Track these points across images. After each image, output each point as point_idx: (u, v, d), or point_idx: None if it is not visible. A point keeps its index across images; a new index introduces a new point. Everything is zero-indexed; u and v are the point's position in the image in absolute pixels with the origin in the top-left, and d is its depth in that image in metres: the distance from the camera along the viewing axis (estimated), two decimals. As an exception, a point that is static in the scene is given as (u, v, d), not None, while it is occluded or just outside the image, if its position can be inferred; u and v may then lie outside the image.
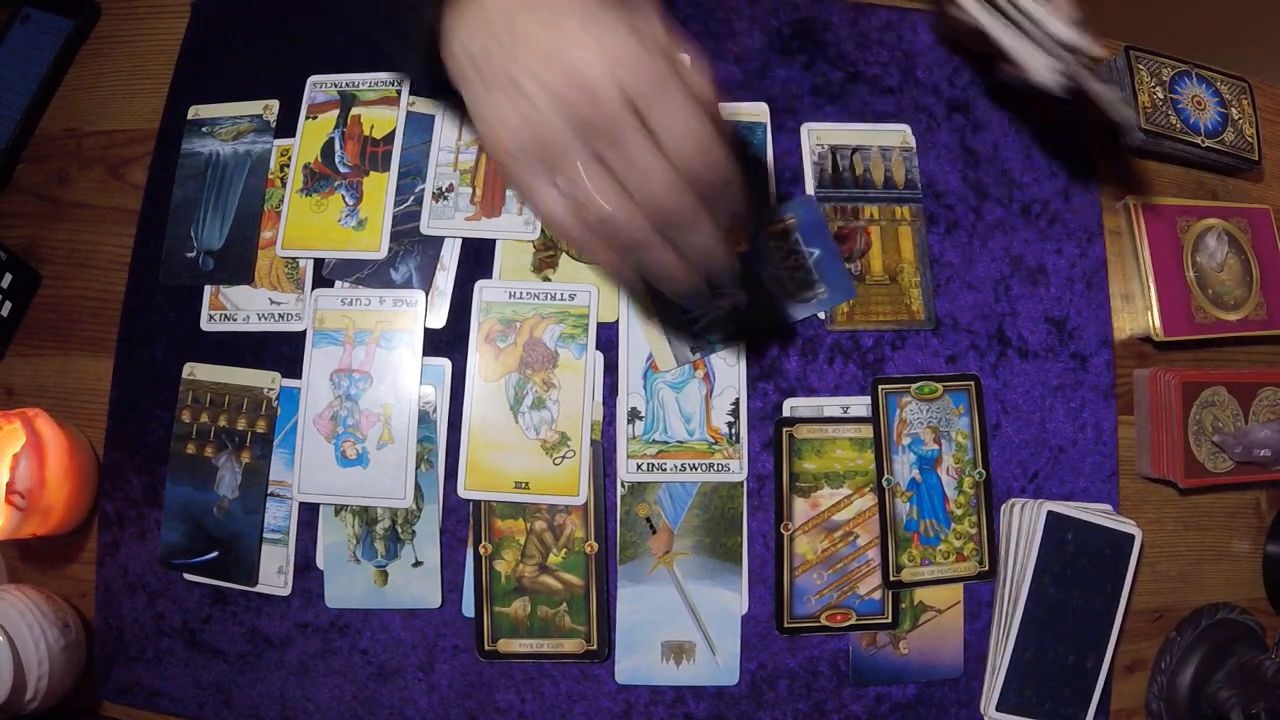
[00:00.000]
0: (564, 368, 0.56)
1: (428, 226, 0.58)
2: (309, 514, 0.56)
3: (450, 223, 0.58)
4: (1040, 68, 0.49)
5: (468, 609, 0.54)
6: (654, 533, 0.55)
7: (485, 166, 0.59)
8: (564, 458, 0.55)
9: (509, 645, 0.54)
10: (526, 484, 0.54)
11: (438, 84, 0.41)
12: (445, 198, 0.58)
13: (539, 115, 0.36)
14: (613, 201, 0.37)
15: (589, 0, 0.36)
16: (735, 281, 0.44)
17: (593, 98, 0.35)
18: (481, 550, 0.54)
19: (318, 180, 0.59)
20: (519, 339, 0.56)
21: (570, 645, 0.54)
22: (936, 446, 0.56)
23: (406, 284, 0.57)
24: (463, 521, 0.55)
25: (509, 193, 0.59)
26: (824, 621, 0.55)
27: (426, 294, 0.57)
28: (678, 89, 0.36)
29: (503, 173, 0.38)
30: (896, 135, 0.61)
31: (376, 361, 0.56)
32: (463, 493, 0.54)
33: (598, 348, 0.56)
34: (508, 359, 0.56)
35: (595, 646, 0.54)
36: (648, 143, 0.36)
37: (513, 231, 0.58)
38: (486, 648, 0.54)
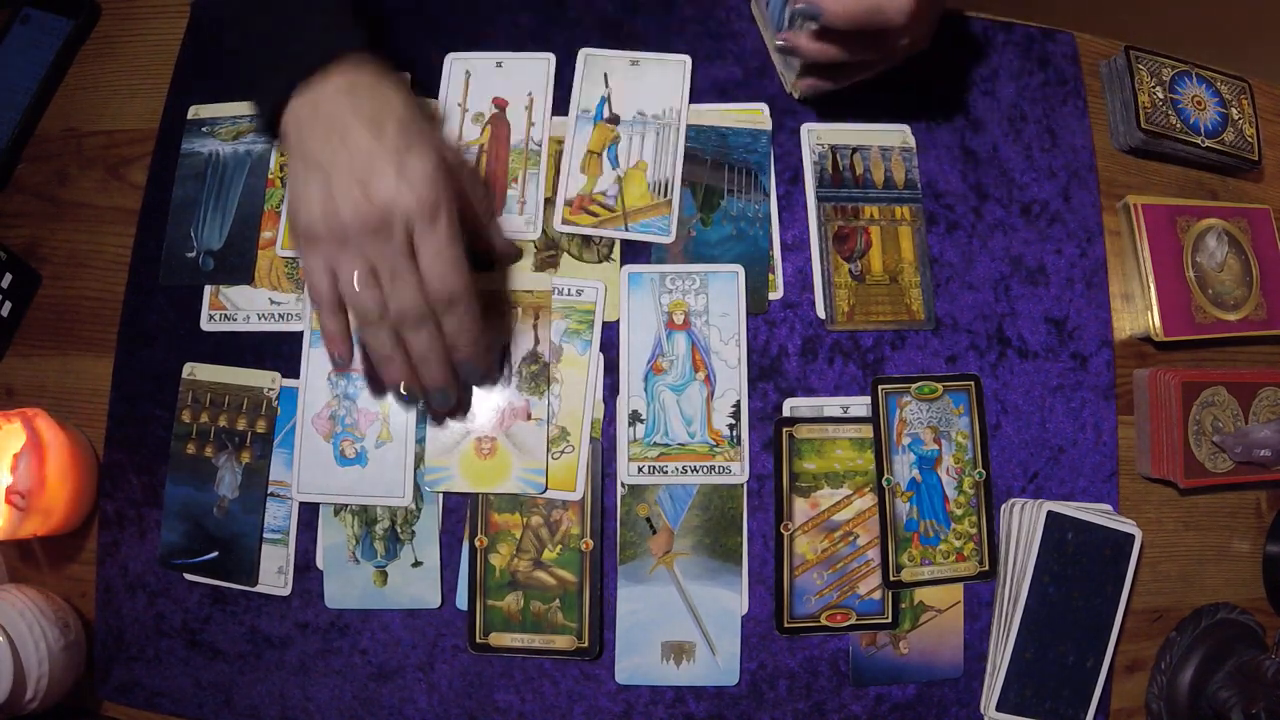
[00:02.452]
0: (567, 363, 0.56)
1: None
2: (309, 514, 0.56)
3: (450, 223, 0.58)
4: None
5: (462, 602, 0.55)
6: (654, 533, 0.55)
7: (486, 166, 0.59)
8: (563, 452, 0.55)
9: (500, 639, 0.54)
10: None
11: (268, 133, 0.48)
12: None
13: (338, 212, 0.44)
14: (362, 295, 0.45)
15: (410, 125, 0.45)
16: (447, 399, 0.50)
17: (383, 219, 0.44)
18: (477, 543, 0.54)
19: (318, 180, 0.59)
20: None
21: (561, 642, 0.54)
22: (936, 446, 0.56)
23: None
24: (462, 521, 0.55)
25: (510, 193, 0.59)
26: (824, 621, 0.55)
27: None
28: (444, 226, 0.45)
29: (292, 239, 0.47)
30: (896, 135, 0.61)
31: (376, 361, 0.56)
32: (462, 492, 0.55)
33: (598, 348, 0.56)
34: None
35: (586, 644, 0.54)
36: (408, 262, 0.45)
37: (514, 231, 0.58)
38: (478, 640, 0.54)
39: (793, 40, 0.53)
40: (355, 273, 0.45)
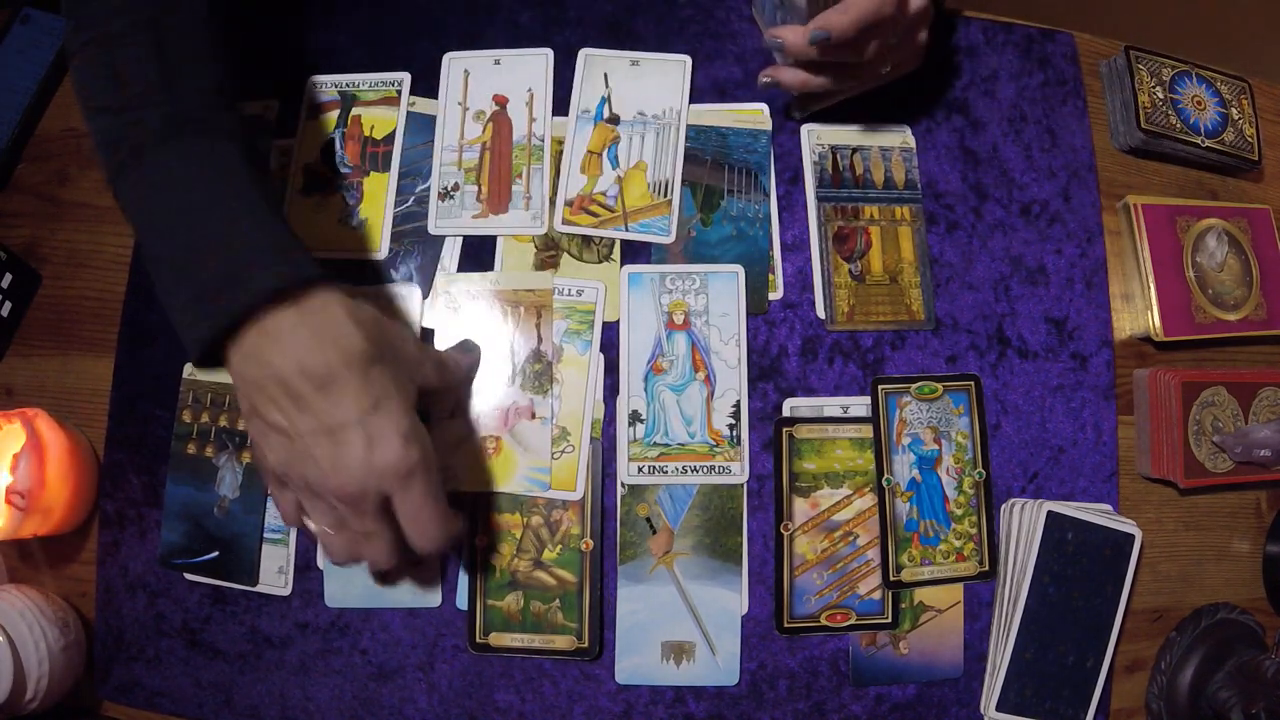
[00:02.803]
0: (568, 363, 0.56)
1: (435, 226, 0.58)
2: (309, 514, 0.56)
3: (457, 221, 0.58)
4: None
5: (461, 601, 0.55)
6: (654, 533, 0.55)
7: (489, 163, 0.59)
8: (563, 452, 0.55)
9: (500, 639, 0.54)
10: None
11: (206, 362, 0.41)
12: (451, 196, 0.58)
13: (305, 477, 0.40)
14: (333, 544, 0.43)
15: (370, 371, 0.40)
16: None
17: (354, 494, 0.40)
18: (477, 542, 0.54)
19: (318, 180, 0.59)
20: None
21: (561, 642, 0.54)
22: (936, 446, 0.56)
23: (407, 283, 0.57)
24: (462, 521, 0.55)
25: (514, 188, 0.59)
26: (824, 621, 0.55)
27: (425, 296, 0.57)
28: (420, 488, 0.41)
29: (256, 460, 0.43)
30: (896, 135, 0.61)
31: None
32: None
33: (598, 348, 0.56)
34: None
35: (586, 644, 0.54)
36: (381, 525, 0.42)
37: (521, 226, 0.58)
38: (478, 640, 0.54)
39: (775, 74, 0.54)
40: (326, 521, 0.43)
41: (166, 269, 0.39)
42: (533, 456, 0.55)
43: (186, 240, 0.39)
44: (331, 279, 0.41)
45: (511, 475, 0.54)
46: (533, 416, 0.55)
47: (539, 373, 0.55)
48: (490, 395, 0.56)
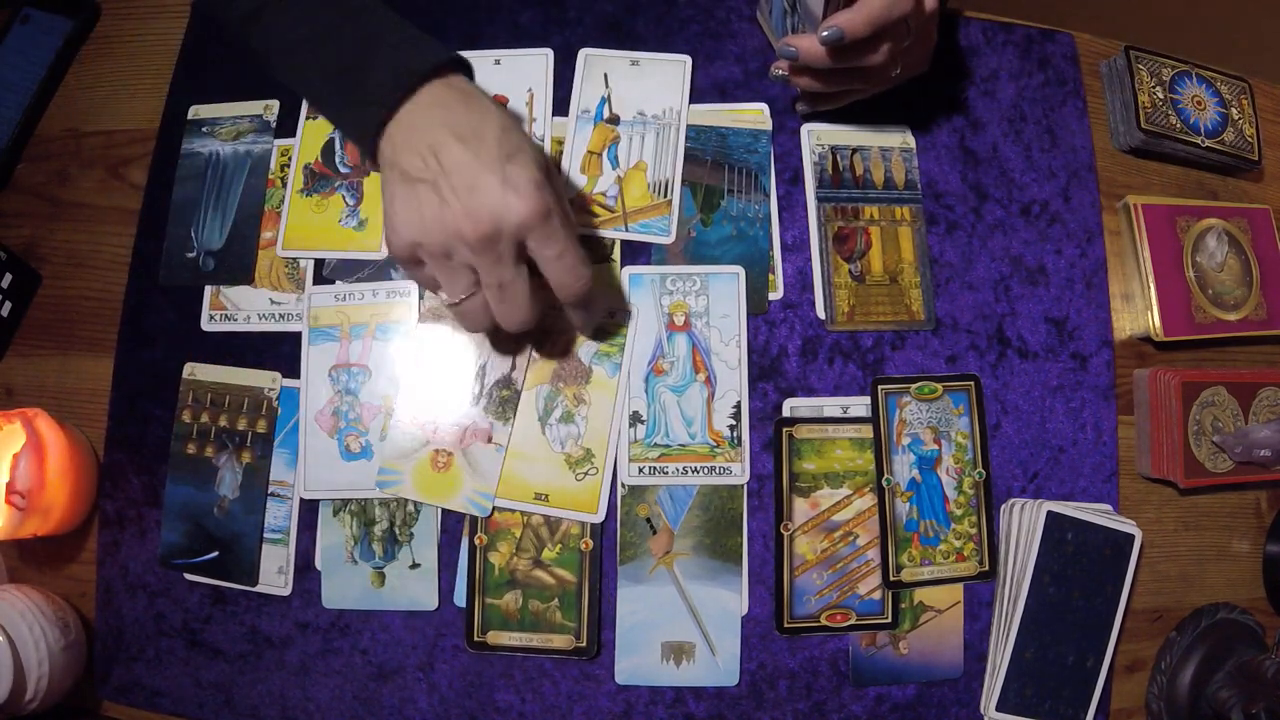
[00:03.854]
0: (596, 385, 0.56)
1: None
2: (309, 514, 0.56)
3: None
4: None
5: (460, 599, 0.55)
6: (654, 533, 0.55)
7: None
8: (586, 474, 0.55)
9: (498, 637, 0.54)
10: (546, 496, 0.54)
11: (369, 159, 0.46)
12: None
13: (443, 228, 0.42)
14: (469, 311, 0.46)
15: (507, 133, 0.43)
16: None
17: (491, 232, 0.42)
18: (477, 541, 0.54)
19: (318, 180, 0.59)
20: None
21: (559, 641, 0.54)
22: (936, 446, 0.56)
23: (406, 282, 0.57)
24: (461, 523, 0.55)
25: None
26: (824, 621, 0.55)
27: (420, 297, 0.57)
28: (559, 229, 0.44)
29: (389, 246, 0.45)
30: (896, 135, 0.61)
31: (374, 354, 0.56)
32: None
33: (598, 348, 0.56)
34: (541, 370, 0.56)
35: (585, 644, 0.54)
36: (516, 275, 0.44)
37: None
38: (476, 638, 0.54)
39: (787, 72, 0.54)
40: (462, 287, 0.44)
41: (319, 82, 0.46)
42: (479, 480, 0.54)
43: (336, 50, 0.45)
44: (468, 65, 0.47)
45: (455, 494, 0.54)
46: (489, 441, 0.55)
47: (505, 400, 0.55)
48: (452, 410, 0.55)
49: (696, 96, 0.61)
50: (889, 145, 0.60)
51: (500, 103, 0.46)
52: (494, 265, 0.43)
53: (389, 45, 0.44)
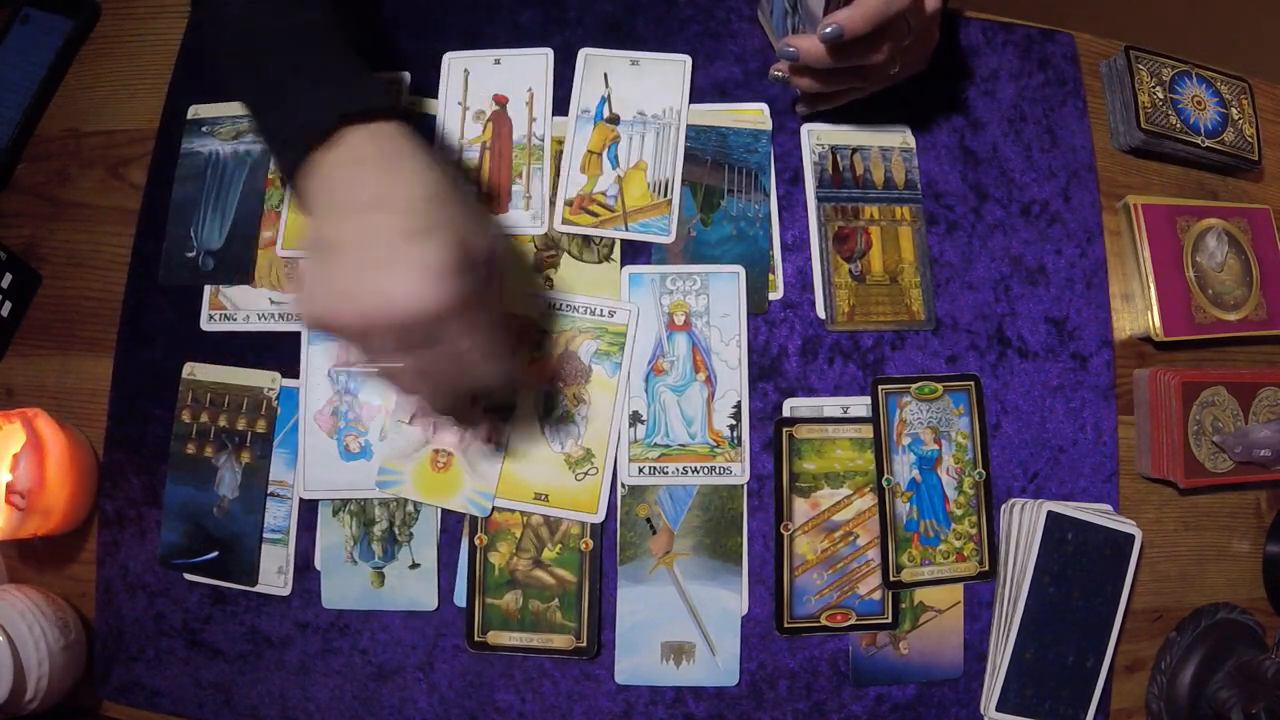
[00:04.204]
0: (596, 384, 0.56)
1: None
2: (309, 514, 0.56)
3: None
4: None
5: (460, 599, 0.55)
6: (654, 533, 0.55)
7: (489, 163, 0.59)
8: (586, 474, 0.55)
9: (499, 637, 0.54)
10: (546, 496, 0.54)
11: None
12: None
13: (351, 311, 0.37)
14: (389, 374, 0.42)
15: (426, 202, 0.38)
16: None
17: (398, 322, 0.37)
18: (477, 541, 0.54)
19: (318, 180, 0.59)
20: (555, 351, 0.56)
21: (559, 641, 0.54)
22: (936, 446, 0.56)
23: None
24: (461, 523, 0.55)
25: (514, 188, 0.59)
26: (824, 621, 0.55)
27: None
28: (465, 322, 0.39)
29: (301, 309, 0.40)
30: (896, 135, 0.61)
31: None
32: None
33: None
34: (541, 370, 0.56)
35: (585, 644, 0.54)
36: (433, 356, 0.39)
37: (521, 226, 0.58)
38: (476, 638, 0.54)
39: (786, 73, 0.54)
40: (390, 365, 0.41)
41: (256, 113, 0.42)
42: (479, 480, 0.54)
43: (272, 83, 0.41)
44: (408, 116, 0.42)
45: (455, 494, 0.54)
46: (489, 441, 0.55)
47: (505, 400, 0.55)
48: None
49: (696, 96, 0.61)
50: (889, 145, 0.60)
51: (442, 162, 0.40)
52: (404, 343, 0.39)
53: (310, 82, 0.40)
